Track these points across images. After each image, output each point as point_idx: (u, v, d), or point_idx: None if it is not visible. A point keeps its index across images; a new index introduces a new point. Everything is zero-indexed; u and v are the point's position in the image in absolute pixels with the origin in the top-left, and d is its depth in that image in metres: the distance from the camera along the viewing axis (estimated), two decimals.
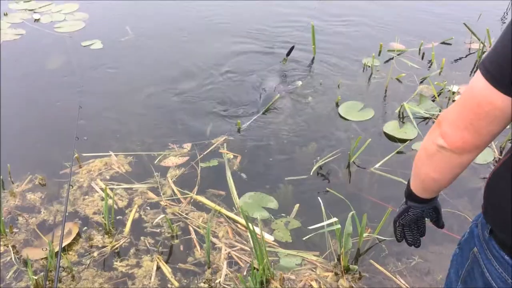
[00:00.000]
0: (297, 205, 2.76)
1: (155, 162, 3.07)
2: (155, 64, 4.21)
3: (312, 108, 3.63)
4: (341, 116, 3.50)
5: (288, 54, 4.06)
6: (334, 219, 2.37)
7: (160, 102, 3.70)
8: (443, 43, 4.39)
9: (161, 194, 2.82)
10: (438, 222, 1.40)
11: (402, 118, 3.47)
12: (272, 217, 2.69)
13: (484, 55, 1.04)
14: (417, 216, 1.37)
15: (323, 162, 3.01)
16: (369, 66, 4.08)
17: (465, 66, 4.11)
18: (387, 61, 4.15)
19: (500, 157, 3.08)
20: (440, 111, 3.47)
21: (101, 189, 2.84)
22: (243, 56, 4.34)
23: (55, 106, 3.65)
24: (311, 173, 2.93)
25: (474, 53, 4.29)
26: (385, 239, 2.54)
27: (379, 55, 4.23)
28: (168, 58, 4.30)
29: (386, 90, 3.78)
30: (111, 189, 2.80)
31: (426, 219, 1.41)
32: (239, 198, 2.80)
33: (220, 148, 3.20)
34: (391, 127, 3.37)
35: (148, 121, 3.52)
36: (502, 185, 1.09)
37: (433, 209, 1.36)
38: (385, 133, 3.34)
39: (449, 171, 1.15)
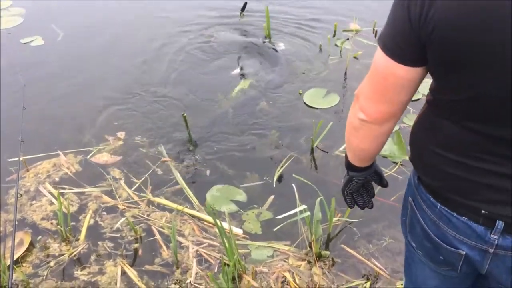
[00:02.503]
0: (272, 196, 2.66)
1: (88, 157, 2.92)
2: (99, 58, 3.98)
3: (274, 96, 3.51)
4: (307, 105, 3.40)
5: (242, 9, 4.06)
6: (303, 207, 2.30)
7: (107, 97, 3.50)
8: None
9: (117, 197, 2.66)
10: (382, 183, 1.46)
11: None
12: (241, 210, 2.60)
13: (381, 30, 1.11)
14: (362, 183, 1.43)
15: (283, 166, 2.87)
16: (337, 45, 4.02)
17: None
18: (344, 40, 4.10)
19: None
20: None
21: (50, 193, 2.65)
22: (187, 35, 4.23)
23: None
24: (274, 182, 2.77)
25: None
26: (353, 221, 2.50)
27: (334, 35, 4.18)
28: (112, 50, 4.09)
29: (346, 72, 3.73)
30: (62, 194, 2.61)
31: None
32: (206, 192, 2.68)
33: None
34: None
35: (94, 117, 3.31)
36: (419, 135, 1.20)
37: (374, 173, 1.42)
38: None
39: (374, 141, 1.23)
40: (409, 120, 3.19)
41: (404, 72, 1.06)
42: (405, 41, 1.02)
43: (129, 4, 4.76)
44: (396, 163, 2.86)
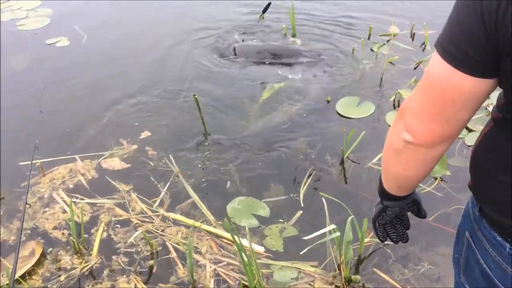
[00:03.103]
0: (300, 212, 2.45)
1: (99, 160, 2.79)
2: (122, 60, 3.86)
3: (303, 104, 3.27)
4: (339, 115, 3.15)
5: (264, 11, 3.80)
6: (332, 226, 2.08)
7: (129, 100, 3.36)
8: None
9: (130, 210, 2.48)
10: (420, 214, 1.26)
11: (398, 107, 3.20)
12: (262, 226, 2.40)
13: (440, 34, 0.90)
14: (396, 213, 1.24)
15: (311, 178, 2.65)
16: (373, 50, 3.79)
17: None
18: (381, 45, 3.85)
19: None
20: None
21: (64, 200, 2.51)
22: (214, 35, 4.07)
23: (15, 110, 3.30)
24: (301, 196, 2.54)
25: None
26: (388, 243, 2.27)
27: (368, 38, 3.94)
28: (134, 52, 3.96)
29: (382, 78, 3.47)
30: (75, 203, 2.47)
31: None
32: (225, 205, 2.50)
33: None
34: (393, 118, 3.07)
35: (115, 119, 3.19)
36: (482, 158, 1.00)
37: (413, 203, 1.23)
38: (389, 125, 3.04)
39: (422, 167, 1.03)
40: None
41: (470, 84, 0.86)
42: (475, 45, 0.82)
43: (150, 5, 4.64)
44: (436, 179, 2.61)
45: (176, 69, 3.68)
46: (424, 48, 3.79)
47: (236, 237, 1.95)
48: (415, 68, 3.54)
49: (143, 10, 4.60)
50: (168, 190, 2.60)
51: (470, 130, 2.91)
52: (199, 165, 2.77)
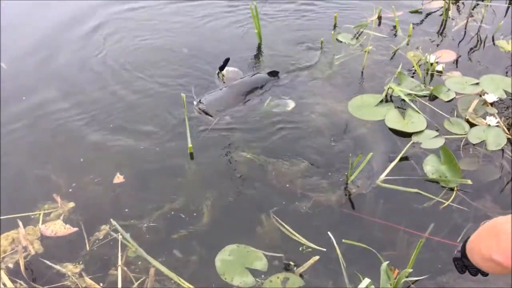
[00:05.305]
0: (316, 257, 1.96)
1: (39, 225, 2.16)
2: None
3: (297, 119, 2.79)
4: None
5: (222, 68, 3.15)
6: (367, 281, 1.65)
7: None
8: (413, 11, 3.71)
9: None
10: None
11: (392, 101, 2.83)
12: (258, 280, 1.94)
13: None
14: None
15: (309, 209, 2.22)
16: (346, 42, 3.41)
17: (432, 29, 3.51)
18: (357, 36, 3.47)
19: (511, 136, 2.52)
20: (425, 87, 2.84)
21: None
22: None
23: None
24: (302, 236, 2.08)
25: (436, 11, 3.71)
26: (418, 279, 1.90)
27: (334, 28, 3.54)
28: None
29: (362, 72, 3.08)
30: None
31: None
32: (213, 257, 2.02)
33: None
34: (393, 118, 2.67)
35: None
36: None
37: None
38: (390, 128, 2.63)
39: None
40: (453, 127, 2.57)
41: None
42: None
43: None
44: (452, 189, 2.25)
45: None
46: (395, 33, 3.44)
47: None
48: (391, 58, 3.18)
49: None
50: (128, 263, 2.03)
51: (471, 125, 2.59)
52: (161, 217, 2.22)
